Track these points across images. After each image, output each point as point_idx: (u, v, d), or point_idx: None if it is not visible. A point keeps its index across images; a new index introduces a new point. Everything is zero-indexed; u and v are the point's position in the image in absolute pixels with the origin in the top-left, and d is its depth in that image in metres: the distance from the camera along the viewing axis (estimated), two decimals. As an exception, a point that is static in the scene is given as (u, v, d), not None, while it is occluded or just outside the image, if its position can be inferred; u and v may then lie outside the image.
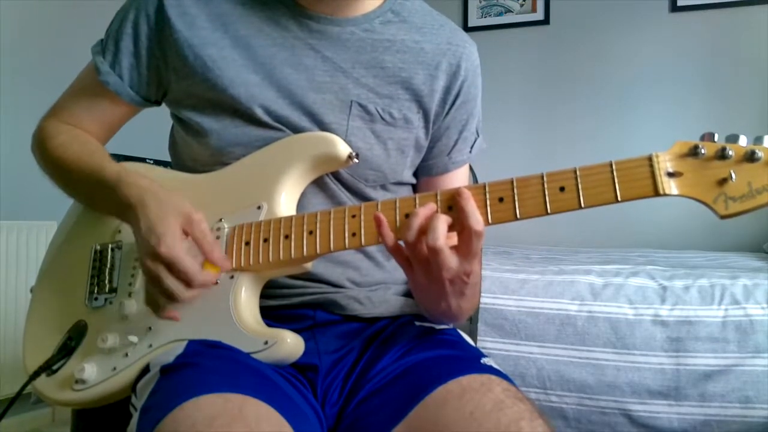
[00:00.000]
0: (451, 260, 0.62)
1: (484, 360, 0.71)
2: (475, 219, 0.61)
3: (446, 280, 0.64)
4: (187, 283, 0.67)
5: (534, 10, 3.14)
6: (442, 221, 0.62)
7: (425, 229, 0.62)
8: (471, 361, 0.70)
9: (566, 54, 3.07)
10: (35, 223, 2.01)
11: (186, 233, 0.70)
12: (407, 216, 0.65)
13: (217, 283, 0.72)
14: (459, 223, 0.62)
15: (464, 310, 0.71)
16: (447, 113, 0.84)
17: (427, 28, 0.84)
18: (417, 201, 0.65)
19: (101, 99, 0.85)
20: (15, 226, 1.97)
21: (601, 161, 0.61)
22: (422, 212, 0.63)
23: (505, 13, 3.20)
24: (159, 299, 0.69)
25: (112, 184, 0.74)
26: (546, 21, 3.11)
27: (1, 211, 1.95)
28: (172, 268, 0.67)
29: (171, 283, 0.67)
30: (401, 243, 0.65)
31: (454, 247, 0.63)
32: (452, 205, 0.63)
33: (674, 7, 2.88)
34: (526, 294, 1.39)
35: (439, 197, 0.65)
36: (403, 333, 0.77)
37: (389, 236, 0.64)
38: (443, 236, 0.61)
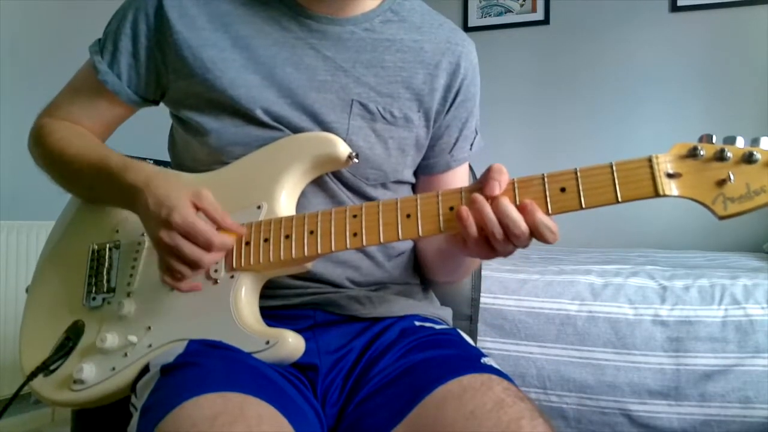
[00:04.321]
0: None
1: (484, 360, 0.71)
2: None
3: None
4: (207, 246, 0.67)
5: (534, 10, 3.14)
6: (511, 208, 0.61)
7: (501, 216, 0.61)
8: (471, 361, 0.70)
9: (566, 54, 3.07)
10: (35, 223, 2.00)
11: (196, 207, 0.69)
12: (450, 208, 0.65)
13: (217, 279, 0.72)
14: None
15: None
16: (447, 111, 0.85)
17: (426, 28, 0.84)
18: (440, 197, 0.65)
19: (99, 98, 0.85)
20: (15, 226, 1.97)
21: (601, 161, 0.61)
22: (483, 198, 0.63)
23: (505, 13, 3.20)
24: (181, 270, 0.68)
25: (119, 171, 0.75)
26: (546, 21, 3.12)
27: (1, 211, 1.95)
28: (188, 235, 0.67)
29: (191, 249, 0.67)
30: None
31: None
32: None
33: (674, 7, 2.88)
34: (526, 294, 1.39)
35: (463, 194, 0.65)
36: (403, 333, 0.77)
37: (473, 229, 0.63)
38: (523, 222, 0.61)
